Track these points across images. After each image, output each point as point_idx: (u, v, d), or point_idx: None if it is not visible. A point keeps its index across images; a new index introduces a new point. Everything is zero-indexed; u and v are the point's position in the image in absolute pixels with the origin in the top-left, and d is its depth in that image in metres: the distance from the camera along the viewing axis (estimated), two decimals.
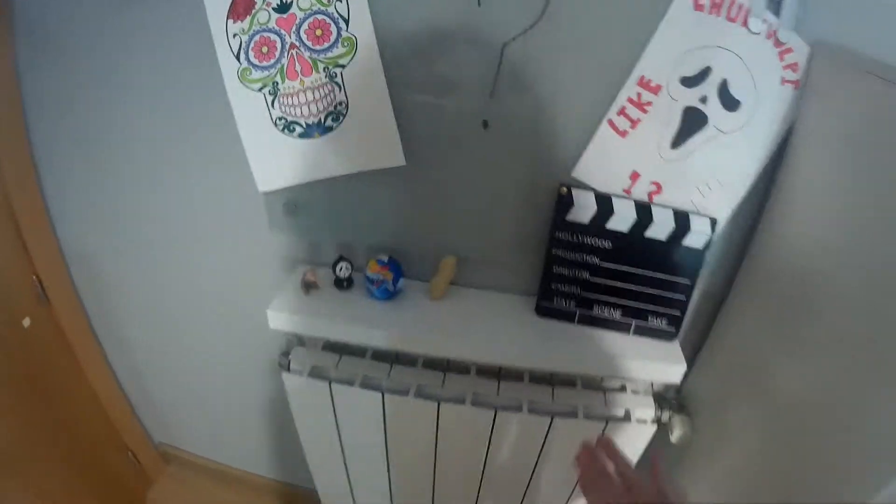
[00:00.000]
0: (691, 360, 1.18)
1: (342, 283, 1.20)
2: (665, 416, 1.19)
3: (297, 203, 1.21)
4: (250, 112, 1.10)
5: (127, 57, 1.18)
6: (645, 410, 1.18)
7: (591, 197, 1.06)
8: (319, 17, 1.00)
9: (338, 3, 0.98)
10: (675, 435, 1.18)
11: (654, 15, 0.92)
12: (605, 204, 1.05)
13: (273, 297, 1.21)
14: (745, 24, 0.93)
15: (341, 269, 1.19)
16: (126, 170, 1.37)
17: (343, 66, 1.03)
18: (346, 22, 0.99)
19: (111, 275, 1.67)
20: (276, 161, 1.15)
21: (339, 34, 1.01)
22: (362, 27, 1.00)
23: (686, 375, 1.15)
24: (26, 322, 1.61)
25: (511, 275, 1.22)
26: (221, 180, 1.27)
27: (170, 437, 2.25)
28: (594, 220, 1.07)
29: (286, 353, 1.26)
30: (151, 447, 2.30)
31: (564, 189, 1.06)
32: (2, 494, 1.56)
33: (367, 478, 1.48)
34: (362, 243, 1.25)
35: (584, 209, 1.06)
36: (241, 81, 1.06)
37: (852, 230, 0.84)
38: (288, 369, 1.25)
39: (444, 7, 0.96)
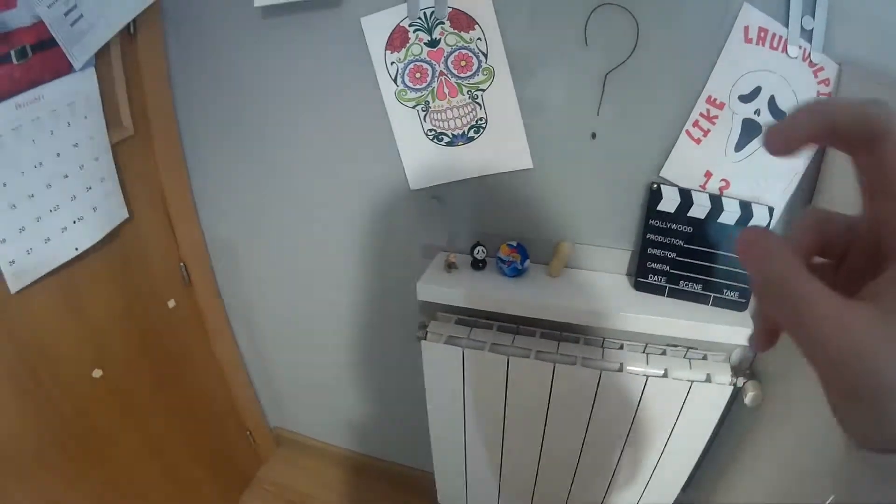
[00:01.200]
0: None
1: (478, 264, 1.46)
2: (739, 381, 1.37)
3: (441, 199, 1.48)
4: (406, 124, 1.39)
5: (289, 71, 1.43)
6: (722, 375, 1.37)
7: (676, 191, 1.30)
8: (464, 51, 1.28)
9: (478, 41, 1.26)
10: (749, 397, 1.36)
11: (715, 48, 1.17)
12: (686, 197, 1.30)
13: (422, 275, 1.45)
14: (784, 50, 1.18)
15: (478, 252, 1.44)
16: (280, 170, 1.62)
17: (483, 90, 1.31)
18: (485, 56, 1.27)
19: (249, 262, 1.89)
20: (426, 164, 1.43)
21: (479, 65, 1.28)
22: (498, 60, 1.27)
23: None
24: (171, 303, 1.81)
25: (613, 257, 1.46)
26: (378, 177, 1.52)
27: (283, 422, 2.44)
28: (678, 209, 1.31)
29: (424, 326, 1.50)
30: (266, 429, 2.49)
31: (655, 185, 1.30)
32: (129, 454, 1.72)
33: (482, 448, 1.68)
34: (494, 232, 1.49)
35: (670, 201, 1.30)
36: (398, 100, 1.35)
37: None
38: (425, 338, 1.47)
39: (562, 47, 1.23)
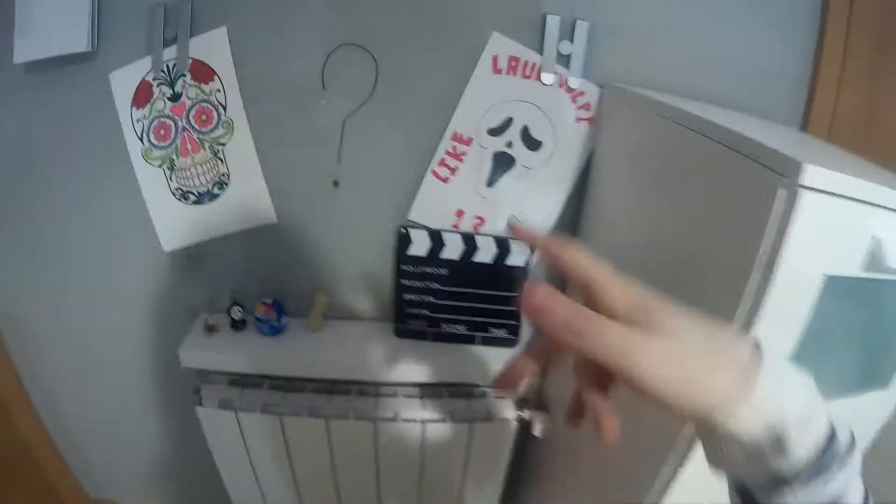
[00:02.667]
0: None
1: (237, 325, 1.39)
2: (526, 413, 1.35)
3: (197, 258, 1.41)
4: (154, 184, 1.32)
5: (49, 130, 1.33)
6: (506, 411, 1.34)
7: (425, 234, 1.26)
8: (204, 104, 1.23)
9: (217, 93, 1.22)
10: (538, 429, 1.34)
11: (461, 81, 1.15)
12: (436, 238, 1.27)
13: (182, 341, 1.37)
14: (538, 78, 1.15)
15: (235, 312, 1.38)
16: (41, 232, 1.48)
17: (224, 144, 1.27)
18: (224, 108, 1.23)
19: (38, 333, 1.70)
20: (177, 224, 1.36)
21: (219, 118, 1.24)
22: (237, 112, 1.24)
23: (543, 376, 1.33)
24: None
25: (372, 305, 1.42)
26: (131, 242, 1.43)
27: (104, 491, 2.21)
28: (431, 252, 1.28)
29: (197, 391, 1.41)
30: (86, 500, 2.22)
31: (403, 230, 1.26)
32: None
33: (281, 498, 1.60)
34: (252, 289, 1.43)
35: (420, 244, 1.28)
36: (145, 159, 1.29)
37: (645, 227, 1.03)
38: (200, 404, 1.39)
39: (300, 92, 1.20)
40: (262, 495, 1.59)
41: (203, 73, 1.20)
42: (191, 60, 1.19)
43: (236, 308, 1.38)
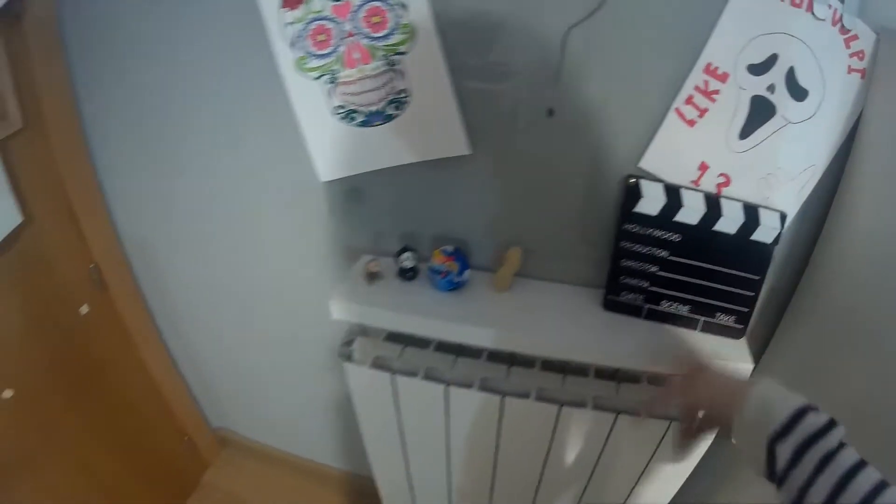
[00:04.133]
0: (757, 358, 1.12)
1: (406, 274, 1.19)
2: None
3: (360, 192, 1.21)
4: (309, 101, 1.09)
5: (180, 39, 1.18)
6: None
7: (660, 188, 1.03)
8: (376, 3, 0.98)
9: None
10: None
11: (719, 3, 0.89)
12: (673, 196, 1.03)
13: (336, 287, 1.19)
14: (809, 9, 0.89)
15: (405, 259, 1.17)
16: (182, 155, 1.39)
17: (403, 54, 1.01)
18: (404, 7, 0.97)
19: (169, 261, 1.69)
20: (337, 150, 1.15)
21: (397, 21, 0.99)
22: (420, 13, 0.98)
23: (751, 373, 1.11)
24: (84, 309, 1.63)
25: (577, 267, 1.19)
26: (281, 168, 1.27)
27: (226, 422, 2.27)
28: (662, 212, 1.04)
29: (348, 343, 1.25)
30: (208, 431, 2.34)
31: (632, 180, 1.03)
32: (58, 478, 1.58)
33: (427, 470, 1.45)
34: (426, 233, 1.24)
35: (652, 201, 1.04)
36: (299, 70, 1.05)
37: None
38: (350, 360, 1.22)
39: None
40: (405, 464, 1.43)
41: None
42: None
43: (408, 254, 1.17)
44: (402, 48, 1.01)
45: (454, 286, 1.17)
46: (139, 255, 1.72)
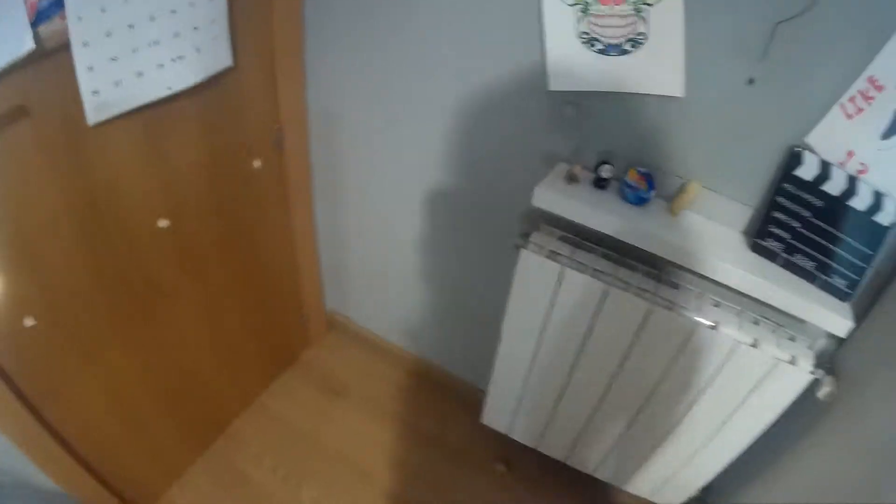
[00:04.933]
0: (853, 331, 1.31)
1: (601, 183, 1.42)
2: (819, 372, 1.32)
3: (578, 107, 1.41)
4: (559, 20, 1.30)
5: None
6: (806, 361, 1.33)
7: (816, 160, 1.27)
8: None
9: None
10: (823, 392, 1.31)
11: (891, 24, 1.11)
12: (825, 169, 1.26)
13: (533, 181, 1.41)
14: None
15: (605, 170, 1.40)
16: (401, 44, 1.54)
17: (651, 5, 1.23)
18: None
19: (348, 137, 1.82)
20: (571, 67, 1.36)
21: None
22: None
23: (843, 344, 1.34)
24: (257, 164, 1.72)
25: (737, 212, 1.41)
26: (510, 70, 1.45)
27: (341, 306, 2.44)
28: (815, 180, 1.27)
29: (526, 235, 1.46)
30: (322, 310, 2.45)
31: (797, 149, 1.27)
32: (182, 310, 1.69)
33: (547, 377, 1.67)
34: (623, 154, 1.44)
35: (809, 168, 1.28)
36: None
37: None
38: (526, 248, 1.44)
39: None
40: (533, 359, 1.64)
41: None
42: None
43: (607, 166, 1.41)
44: (651, 0, 1.22)
45: (641, 201, 1.40)
46: (322, 125, 1.82)
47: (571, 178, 1.42)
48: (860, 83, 1.19)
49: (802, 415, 1.39)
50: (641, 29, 1.27)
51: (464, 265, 1.92)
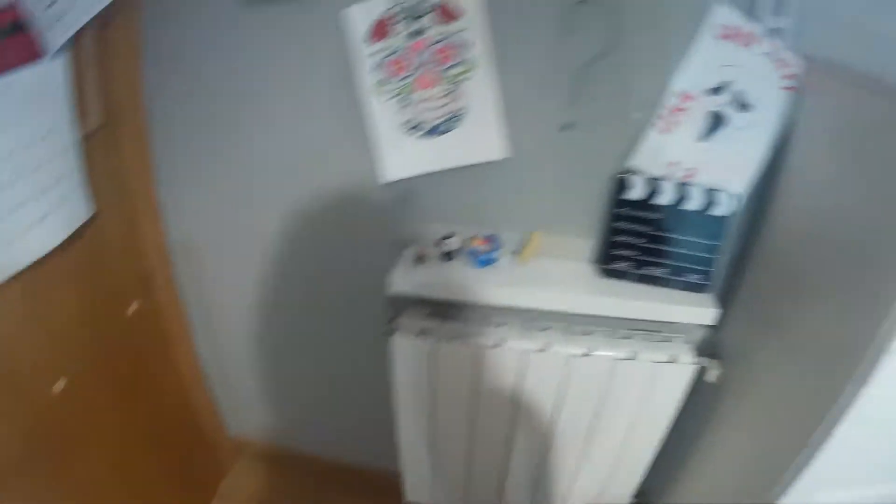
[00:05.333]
0: (723, 315, 1.39)
1: (448, 256, 1.44)
2: (703, 360, 1.40)
3: (413, 190, 1.44)
4: (382, 116, 1.34)
5: (264, 66, 1.38)
6: (686, 356, 1.41)
7: (643, 180, 1.32)
8: (446, 41, 1.24)
9: (462, 33, 1.23)
10: (711, 375, 1.39)
11: (689, 45, 1.20)
12: (653, 185, 1.32)
13: (390, 269, 1.43)
14: (752, 46, 1.20)
15: (449, 243, 1.43)
16: (249, 168, 1.56)
17: (463, 81, 1.28)
18: (468, 47, 1.24)
19: (212, 263, 1.79)
20: (401, 156, 1.39)
21: (462, 56, 1.25)
22: (481, 51, 1.25)
23: (718, 328, 1.41)
24: (133, 307, 1.66)
25: (581, 246, 1.46)
26: (346, 173, 1.49)
27: (245, 428, 2.28)
28: (645, 197, 1.32)
29: (394, 318, 1.48)
30: (227, 437, 2.31)
31: (622, 175, 1.32)
32: (95, 468, 1.56)
33: (452, 443, 1.66)
34: (465, 222, 1.47)
35: (637, 189, 1.33)
36: (376, 92, 1.31)
37: (841, 200, 1.07)
38: (396, 332, 1.45)
39: (542, 37, 1.23)
40: (433, 431, 1.65)
41: (448, 12, 1.22)
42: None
43: (451, 239, 1.43)
44: (463, 77, 1.27)
45: (488, 262, 1.42)
46: (185, 256, 1.79)
47: (420, 258, 1.44)
48: (670, 100, 1.27)
49: (706, 402, 1.47)
50: (461, 103, 1.31)
51: (349, 358, 1.90)
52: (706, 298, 1.38)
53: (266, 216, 1.61)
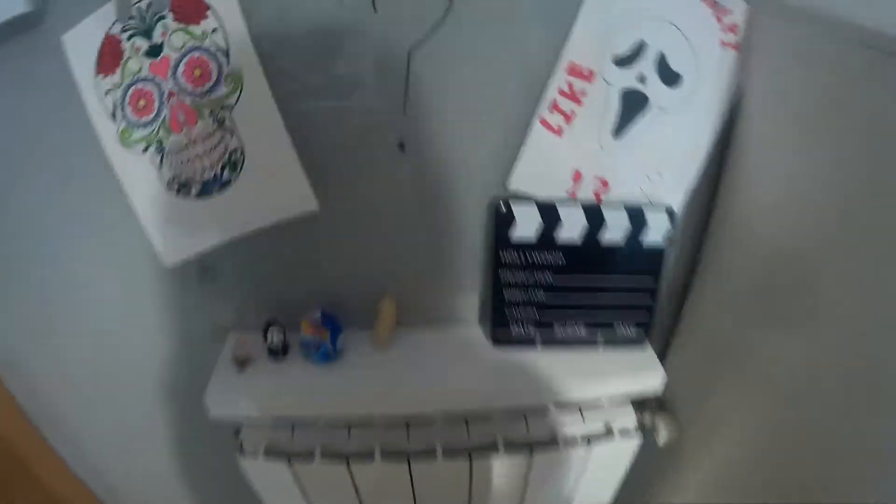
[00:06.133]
0: (662, 355, 1.05)
1: (277, 352, 0.97)
2: (647, 419, 1.04)
3: (212, 268, 0.99)
4: (139, 177, 0.88)
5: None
6: (626, 419, 1.01)
7: (534, 208, 0.87)
8: (196, 54, 0.80)
9: (213, 35, 0.79)
10: (662, 437, 1.03)
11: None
12: (550, 214, 0.88)
13: (208, 381, 0.97)
14: None
15: (272, 337, 0.96)
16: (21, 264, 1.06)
17: (231, 107, 0.83)
18: (227, 55, 0.80)
19: (42, 374, 1.32)
20: (178, 228, 0.93)
21: (220, 71, 0.81)
22: (246, 58, 0.80)
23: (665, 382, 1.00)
24: None
25: (459, 304, 1.03)
26: (123, 258, 1.01)
27: None
28: (541, 233, 0.88)
29: (237, 432, 1.02)
30: None
31: (502, 205, 0.87)
32: None
33: None
34: (292, 298, 1.01)
35: (527, 223, 0.90)
36: (123, 144, 0.85)
37: (812, 190, 0.73)
38: (242, 451, 1.00)
39: (337, 21, 0.79)
40: None
41: (190, 8, 0.78)
42: None
43: (274, 330, 0.96)
44: (228, 101, 0.81)
45: (329, 358, 0.97)
46: (13, 375, 1.37)
47: (242, 363, 0.97)
48: (558, 80, 0.84)
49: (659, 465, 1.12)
50: (234, 144, 0.85)
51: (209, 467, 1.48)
52: (646, 355, 1.00)
53: (60, 318, 1.16)
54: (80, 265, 1.04)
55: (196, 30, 0.78)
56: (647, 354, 0.97)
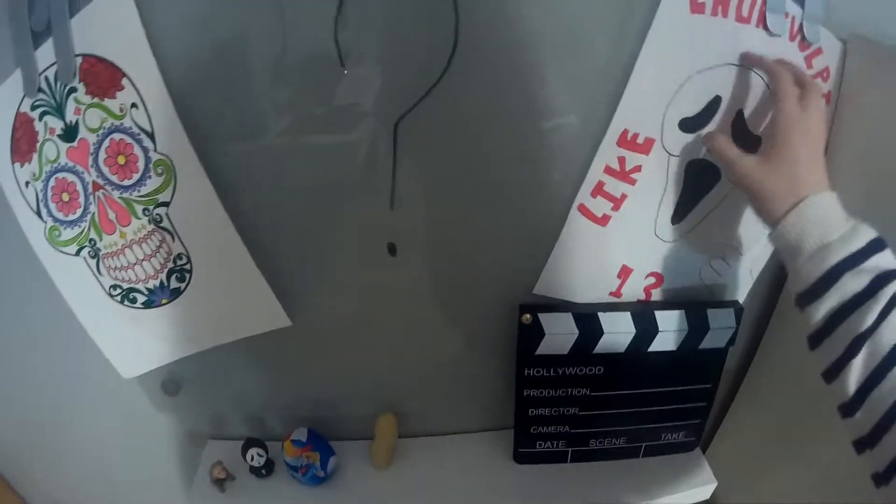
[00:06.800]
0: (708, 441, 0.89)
1: (260, 472, 0.82)
2: None
3: (177, 381, 0.82)
4: (77, 284, 0.71)
5: None
6: None
7: (569, 319, 0.66)
8: (116, 137, 0.62)
9: (133, 111, 0.59)
10: None
11: (632, 34, 0.55)
12: (588, 324, 0.66)
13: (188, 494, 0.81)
14: (761, 23, 0.58)
15: (252, 458, 0.80)
16: None
17: (166, 203, 0.63)
18: (152, 137, 0.60)
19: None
20: (129, 340, 0.76)
21: (147, 158, 0.62)
22: (175, 141, 0.60)
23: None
24: None
25: (470, 415, 0.85)
26: (82, 369, 0.83)
27: None
28: (576, 346, 0.66)
29: None
30: None
31: (527, 317, 0.66)
32: None
33: None
34: (275, 410, 0.85)
35: (559, 336, 0.68)
36: (53, 245, 0.69)
37: None
38: None
39: (296, 86, 0.58)
40: None
41: (102, 76, 0.58)
42: (80, 60, 0.57)
43: (254, 452, 0.79)
44: (163, 196, 0.62)
45: (320, 481, 0.79)
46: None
47: (221, 483, 0.81)
48: (605, 156, 0.62)
49: None
50: (176, 248, 0.66)
51: None
52: (696, 460, 0.83)
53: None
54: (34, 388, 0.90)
55: (112, 105, 0.58)
56: (697, 461, 0.78)
